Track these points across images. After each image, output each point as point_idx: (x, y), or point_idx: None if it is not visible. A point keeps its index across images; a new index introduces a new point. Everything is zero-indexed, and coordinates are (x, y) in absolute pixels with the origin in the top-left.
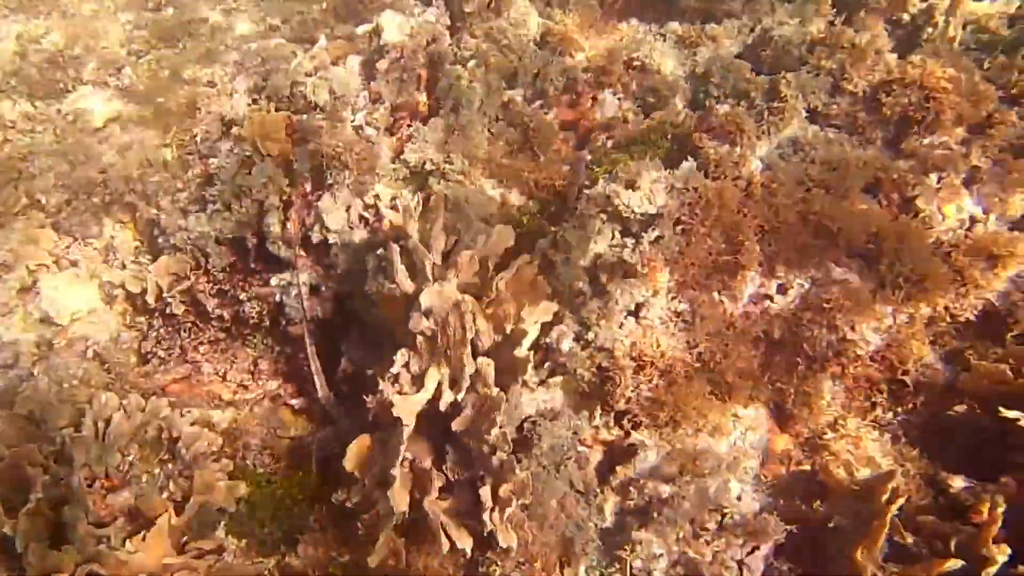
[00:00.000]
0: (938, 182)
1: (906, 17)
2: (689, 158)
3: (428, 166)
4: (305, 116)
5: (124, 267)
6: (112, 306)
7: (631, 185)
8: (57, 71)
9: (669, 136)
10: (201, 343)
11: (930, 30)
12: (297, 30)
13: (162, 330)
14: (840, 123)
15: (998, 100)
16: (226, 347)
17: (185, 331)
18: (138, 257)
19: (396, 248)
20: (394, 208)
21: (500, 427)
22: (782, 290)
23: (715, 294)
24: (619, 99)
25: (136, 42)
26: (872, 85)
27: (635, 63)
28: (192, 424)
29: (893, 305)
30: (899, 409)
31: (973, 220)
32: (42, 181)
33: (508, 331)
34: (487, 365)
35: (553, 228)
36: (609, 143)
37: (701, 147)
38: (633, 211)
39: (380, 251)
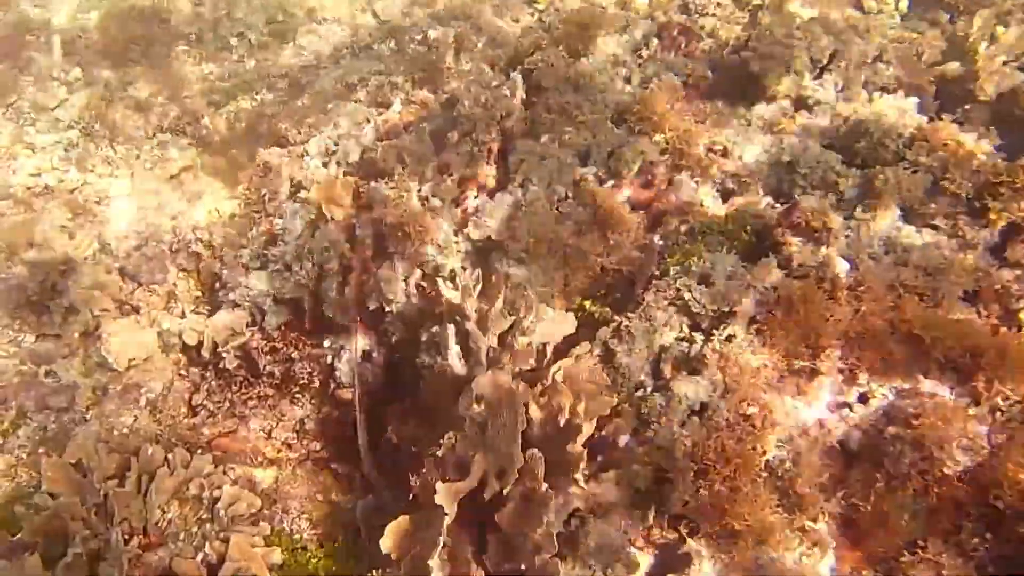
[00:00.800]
0: None
1: (1017, 112)
2: (769, 254)
3: (491, 242)
4: (372, 183)
5: (184, 316)
6: (168, 355)
7: (705, 280)
8: (140, 117)
9: (748, 227)
10: (250, 398)
11: None
12: (374, 92)
13: (214, 383)
14: (938, 224)
15: None
16: (274, 404)
17: (236, 385)
18: (198, 307)
19: (451, 328)
20: (453, 285)
21: (546, 526)
22: (863, 399)
23: (788, 399)
24: (696, 183)
25: (217, 93)
26: (976, 186)
27: (716, 147)
28: (234, 482)
29: (989, 425)
30: (988, 536)
31: None
32: (115, 226)
33: (562, 424)
34: (537, 459)
35: (617, 316)
36: (683, 228)
37: (783, 243)
38: (704, 307)
39: (434, 328)
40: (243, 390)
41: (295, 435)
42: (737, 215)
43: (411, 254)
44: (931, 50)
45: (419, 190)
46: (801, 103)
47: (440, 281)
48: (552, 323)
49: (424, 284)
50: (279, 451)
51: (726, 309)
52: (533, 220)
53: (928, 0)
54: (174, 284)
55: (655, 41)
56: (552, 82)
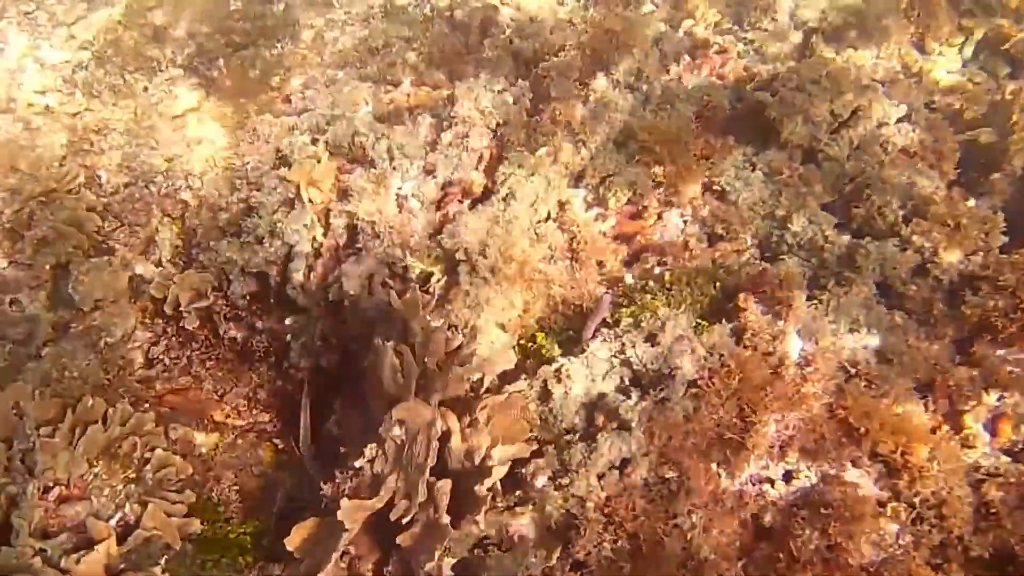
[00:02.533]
0: (998, 400)
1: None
2: (724, 321)
3: (461, 255)
4: (358, 171)
5: (160, 264)
6: (136, 301)
7: (652, 339)
8: (154, 48)
9: (718, 284)
10: (210, 359)
11: None
12: (384, 70)
13: (174, 339)
14: (913, 308)
15: None
16: (232, 368)
17: (197, 343)
18: (175, 258)
19: (389, 349)
20: (405, 298)
21: (438, 560)
22: (787, 478)
23: (713, 466)
24: (685, 221)
25: (236, 33)
26: (962, 275)
27: (714, 186)
28: (174, 443)
29: (901, 524)
30: None
31: None
32: (108, 158)
33: (476, 463)
34: (443, 493)
35: (563, 357)
36: (658, 269)
37: (744, 309)
38: (645, 366)
39: (377, 338)
40: (204, 350)
41: (246, 402)
42: (709, 270)
43: (378, 253)
44: (974, 108)
45: (399, 187)
46: (811, 156)
47: (391, 294)
48: (493, 355)
49: (390, 283)
50: (227, 416)
51: (666, 371)
52: (507, 238)
53: (996, 45)
54: (156, 229)
55: (685, 59)
56: (562, 93)
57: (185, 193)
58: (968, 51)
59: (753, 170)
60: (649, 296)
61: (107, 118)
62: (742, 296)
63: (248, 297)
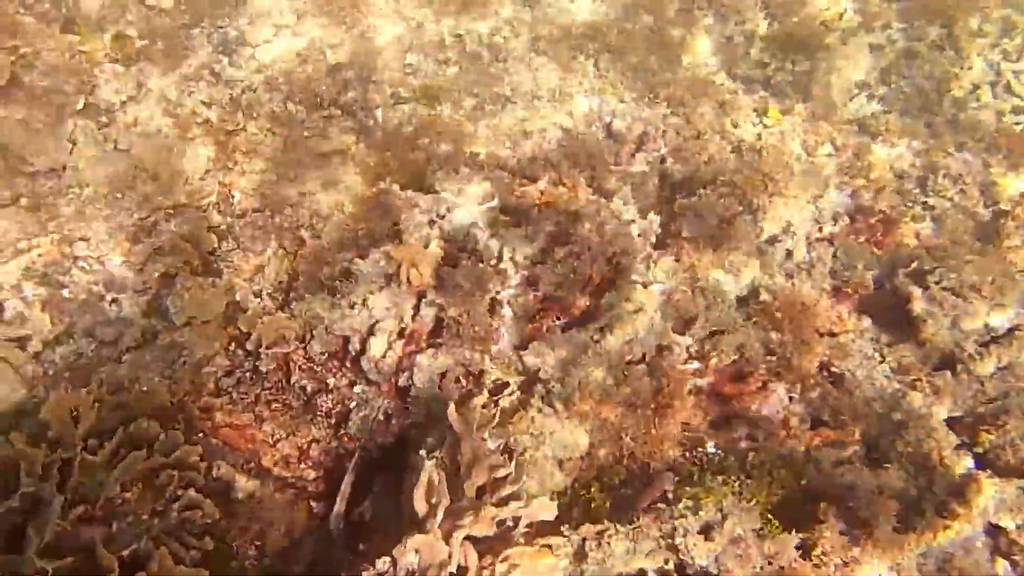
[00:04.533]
0: None
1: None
2: (795, 531)
3: (539, 375)
4: (462, 264)
5: (259, 295)
6: (227, 328)
7: (706, 531)
8: (322, 83)
9: (804, 481)
10: (275, 401)
11: None
12: (526, 164)
13: (248, 374)
14: None
15: None
16: (294, 417)
17: (268, 383)
18: (276, 292)
19: (429, 466)
20: (460, 415)
21: None
22: None
23: None
24: (791, 398)
25: (404, 87)
26: None
27: (833, 368)
28: (216, 479)
29: None
30: None
31: None
32: (246, 181)
33: None
34: None
35: (609, 520)
36: (744, 443)
37: (823, 521)
38: (692, 559)
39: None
40: (272, 392)
41: (297, 454)
42: (799, 461)
43: (458, 353)
44: None
45: (498, 291)
46: (949, 362)
47: (451, 406)
48: (536, 502)
49: (462, 382)
50: (275, 463)
51: (713, 571)
52: (591, 372)
53: None
54: (268, 260)
55: (845, 220)
56: (694, 233)
57: (306, 232)
58: None
59: (881, 362)
60: (720, 479)
61: (258, 141)
62: (823, 506)
63: (326, 355)
